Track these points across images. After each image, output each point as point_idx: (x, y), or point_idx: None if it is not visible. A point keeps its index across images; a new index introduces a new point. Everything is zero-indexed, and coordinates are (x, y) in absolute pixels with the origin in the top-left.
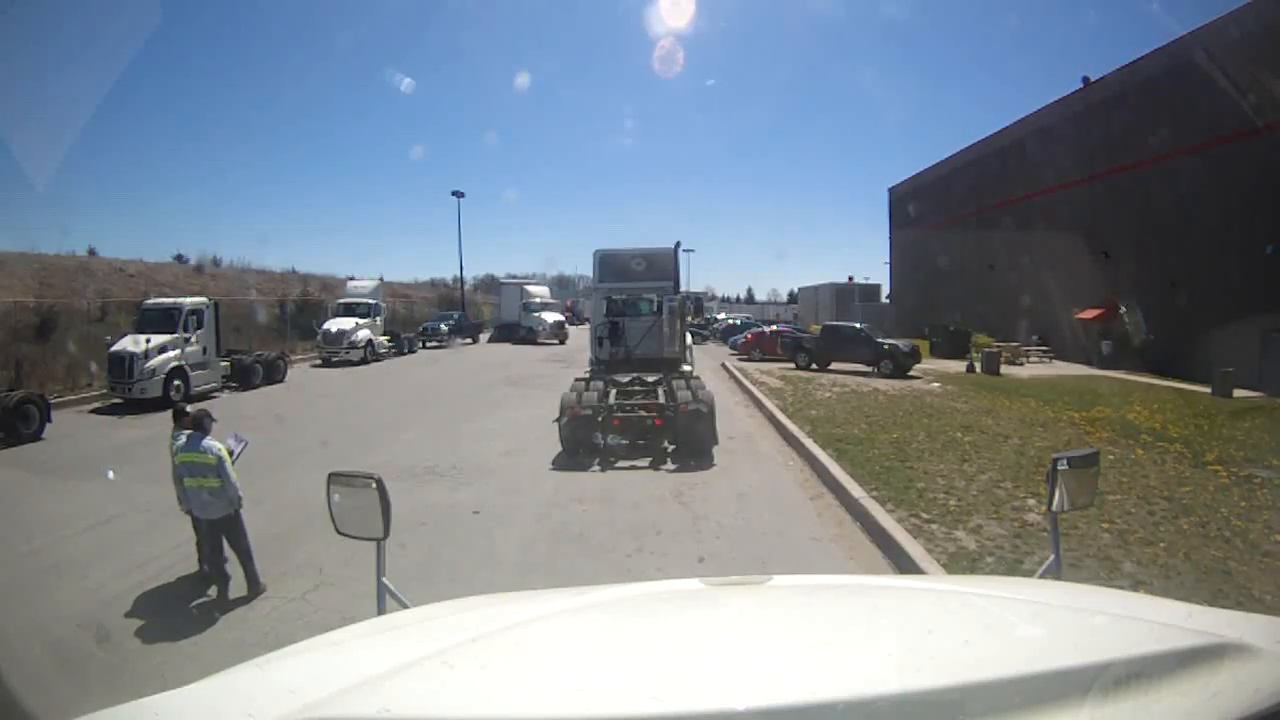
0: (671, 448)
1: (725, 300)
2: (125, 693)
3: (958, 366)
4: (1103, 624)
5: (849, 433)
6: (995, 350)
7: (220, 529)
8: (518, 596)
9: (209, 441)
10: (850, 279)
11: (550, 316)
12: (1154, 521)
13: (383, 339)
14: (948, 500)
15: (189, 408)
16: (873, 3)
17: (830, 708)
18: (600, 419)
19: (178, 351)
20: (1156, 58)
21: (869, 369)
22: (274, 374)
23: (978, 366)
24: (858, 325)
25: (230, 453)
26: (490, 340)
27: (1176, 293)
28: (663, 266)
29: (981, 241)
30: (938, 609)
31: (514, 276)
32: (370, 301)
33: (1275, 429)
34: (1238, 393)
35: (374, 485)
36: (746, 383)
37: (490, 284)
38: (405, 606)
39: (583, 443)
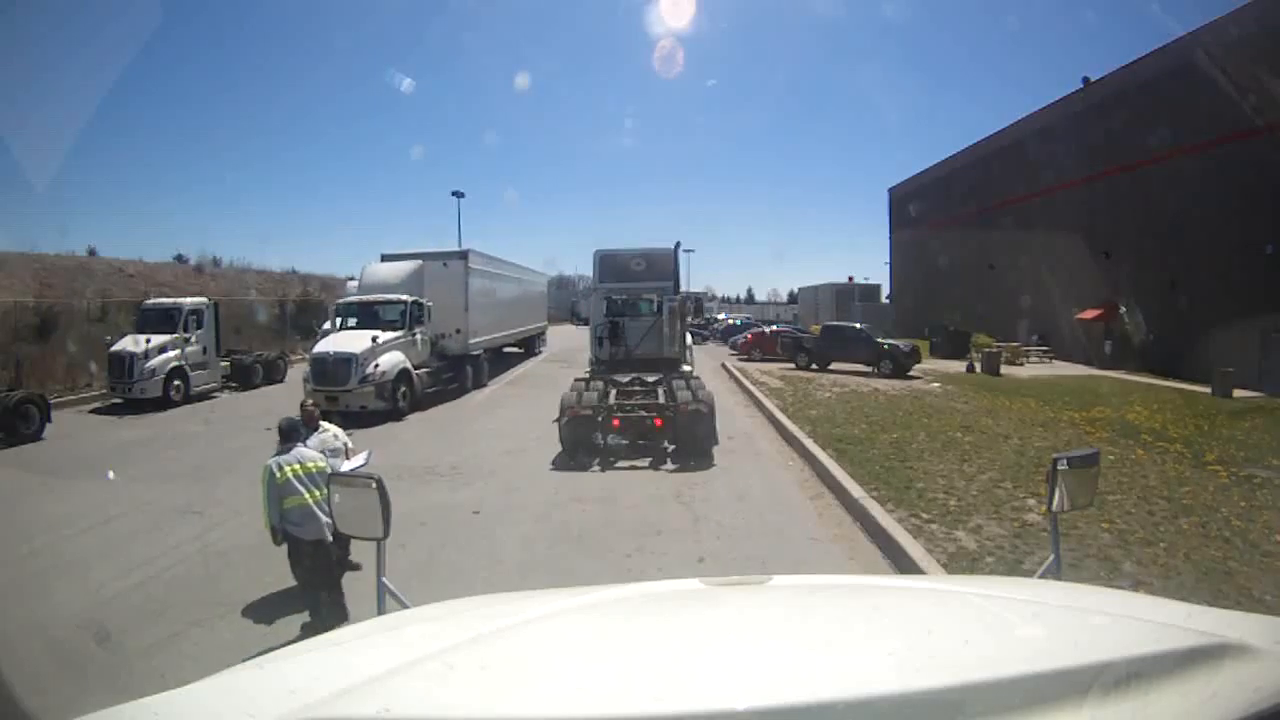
0: (671, 448)
1: (725, 300)
2: (125, 693)
3: (958, 366)
4: (1102, 624)
5: (849, 433)
6: (995, 350)
7: (331, 548)
8: (518, 596)
9: (304, 449)
10: (850, 279)
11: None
12: (1154, 521)
13: None
14: (948, 500)
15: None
16: (873, 3)
17: (830, 708)
18: (600, 419)
19: (178, 351)
20: (1156, 58)
21: (869, 369)
22: (274, 374)
23: (978, 367)
24: (858, 325)
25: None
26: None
27: (1176, 293)
28: (663, 267)
29: (981, 241)
30: (938, 609)
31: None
32: None
33: (1275, 429)
34: (1238, 393)
35: (374, 486)
36: (746, 383)
37: None
38: (405, 606)
39: (583, 443)
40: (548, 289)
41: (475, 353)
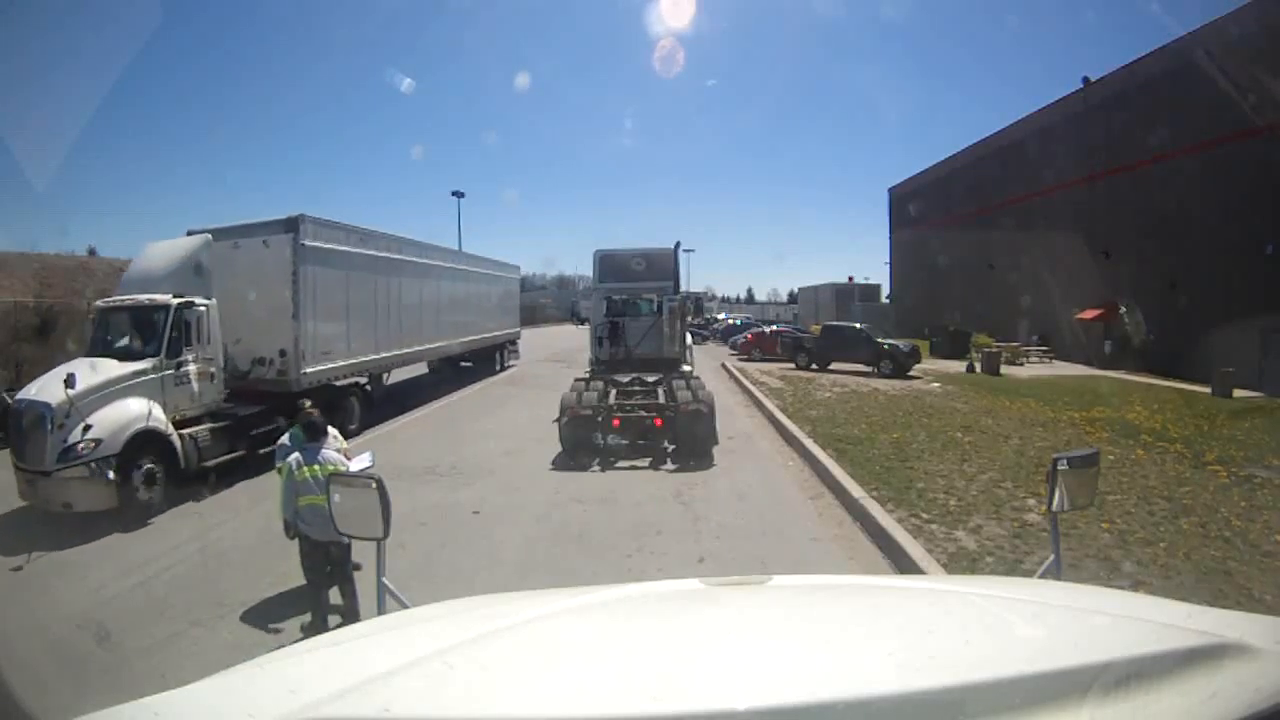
0: (671, 448)
1: (725, 300)
2: (125, 693)
3: (958, 366)
4: (1103, 624)
5: (849, 433)
6: (995, 350)
7: (343, 549)
8: (518, 596)
9: (330, 452)
10: (850, 279)
11: (110, 414)
12: (1154, 521)
13: None
14: (948, 500)
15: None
16: (873, 3)
17: (830, 708)
18: (600, 419)
19: None
20: (1156, 58)
21: (869, 369)
22: None
23: (978, 366)
24: (858, 325)
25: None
26: None
27: (1176, 293)
28: (662, 267)
29: (981, 241)
30: (938, 609)
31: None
32: None
33: (1275, 429)
34: (1238, 393)
35: (374, 486)
36: (746, 383)
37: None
38: (405, 606)
39: (583, 443)
40: (548, 288)
41: (341, 383)
